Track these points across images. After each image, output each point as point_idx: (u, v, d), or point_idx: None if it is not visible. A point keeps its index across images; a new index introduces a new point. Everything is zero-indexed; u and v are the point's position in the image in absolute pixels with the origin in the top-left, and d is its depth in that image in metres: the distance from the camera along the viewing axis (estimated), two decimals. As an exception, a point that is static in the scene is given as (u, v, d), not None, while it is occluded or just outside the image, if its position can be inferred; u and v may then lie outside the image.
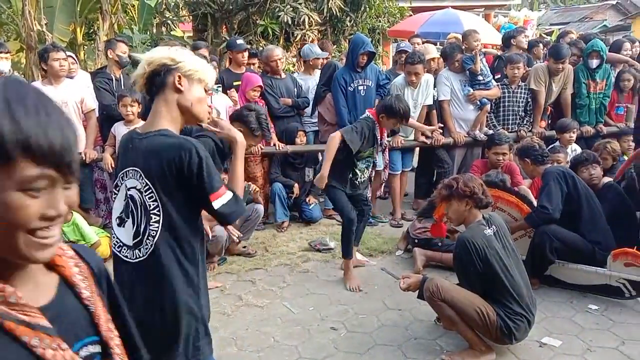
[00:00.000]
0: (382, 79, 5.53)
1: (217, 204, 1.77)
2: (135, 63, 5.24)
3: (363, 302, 3.84)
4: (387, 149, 4.50)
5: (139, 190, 1.79)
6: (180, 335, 1.78)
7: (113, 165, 4.89)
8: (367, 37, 5.96)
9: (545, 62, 6.00)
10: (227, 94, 5.22)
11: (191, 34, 12.38)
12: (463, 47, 5.67)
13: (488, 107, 5.59)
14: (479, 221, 3.06)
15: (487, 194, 3.12)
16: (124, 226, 1.83)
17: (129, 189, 1.82)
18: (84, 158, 4.91)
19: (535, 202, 4.01)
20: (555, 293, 3.85)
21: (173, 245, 1.78)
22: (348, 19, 9.66)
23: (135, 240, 1.79)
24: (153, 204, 1.76)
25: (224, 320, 3.55)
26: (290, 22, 8.89)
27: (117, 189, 1.87)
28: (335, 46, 9.36)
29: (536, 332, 3.31)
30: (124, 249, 1.83)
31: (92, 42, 11.08)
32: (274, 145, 5.25)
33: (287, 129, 5.31)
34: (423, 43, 6.36)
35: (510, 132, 5.61)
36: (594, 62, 5.82)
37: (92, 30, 11.97)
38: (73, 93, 4.92)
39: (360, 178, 4.14)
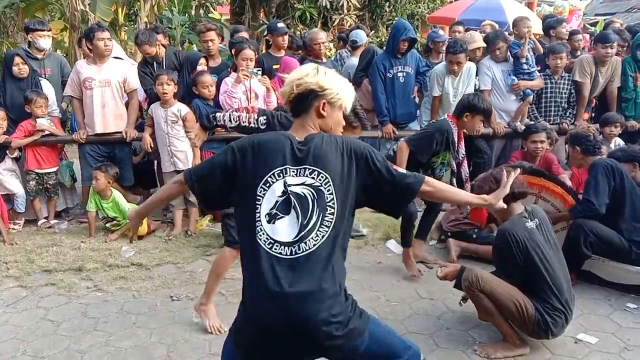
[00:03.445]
0: (422, 66, 5.47)
1: (400, 170, 2.04)
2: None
3: (395, 290, 3.83)
4: (465, 161, 4.18)
5: (311, 185, 1.89)
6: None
7: (152, 145, 4.99)
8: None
9: (591, 53, 5.82)
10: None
11: (229, 17, 12.44)
12: (513, 32, 5.53)
13: (531, 98, 5.45)
14: (521, 214, 3.01)
15: (519, 185, 3.02)
16: (274, 223, 1.87)
17: (289, 186, 1.88)
18: (125, 137, 5.02)
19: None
20: (594, 290, 3.77)
21: (340, 238, 1.90)
22: (387, 4, 9.58)
23: (300, 235, 1.85)
24: (330, 197, 1.88)
25: (257, 301, 3.59)
26: (328, 7, 8.86)
27: (267, 185, 1.90)
28: (373, 31, 9.29)
29: (572, 328, 3.25)
30: (276, 245, 1.85)
31: (133, 23, 11.24)
32: None
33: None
34: (466, 31, 6.24)
35: (552, 124, 5.47)
36: (644, 55, 5.62)
37: (132, 11, 12.15)
38: (116, 72, 5.01)
39: None
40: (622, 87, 5.75)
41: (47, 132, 4.99)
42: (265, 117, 2.97)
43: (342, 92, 2.04)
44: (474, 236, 4.38)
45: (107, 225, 4.89)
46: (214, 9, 12.58)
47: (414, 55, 5.45)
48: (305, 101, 2.01)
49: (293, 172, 1.90)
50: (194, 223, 4.95)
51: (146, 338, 3.22)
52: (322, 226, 1.86)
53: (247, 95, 4.95)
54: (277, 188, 1.89)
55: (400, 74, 5.28)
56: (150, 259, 4.30)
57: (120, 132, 5.04)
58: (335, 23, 9.02)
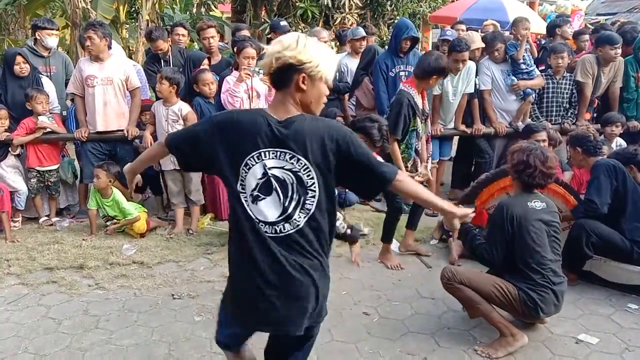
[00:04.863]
0: (423, 66, 5.45)
1: (379, 158, 2.09)
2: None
3: (396, 289, 3.84)
4: (428, 118, 4.39)
5: (290, 170, 1.92)
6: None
7: (153, 143, 4.98)
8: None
9: (592, 51, 5.82)
10: None
11: (230, 15, 12.43)
12: (512, 33, 5.53)
13: (531, 97, 5.45)
14: (526, 193, 3.14)
15: (534, 175, 3.10)
16: (257, 203, 1.94)
17: (269, 169, 1.93)
18: (126, 135, 5.01)
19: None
20: (594, 290, 3.77)
21: (323, 217, 1.97)
22: (389, 3, 9.58)
23: (283, 216, 1.93)
24: (310, 181, 1.93)
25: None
26: (330, 5, 8.85)
27: (247, 167, 1.94)
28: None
29: (573, 328, 3.28)
30: (261, 225, 1.94)
31: (134, 20, 11.23)
32: None
33: (326, 114, 5.31)
34: (467, 30, 6.24)
35: (554, 124, 5.48)
36: (646, 55, 5.62)
37: (133, 9, 12.15)
38: (118, 70, 4.99)
39: (409, 152, 4.19)
40: (624, 88, 5.75)
41: (48, 130, 4.99)
42: None
43: (323, 64, 1.95)
44: (475, 236, 4.38)
45: (108, 223, 4.88)
46: (215, 7, 12.58)
47: (417, 55, 5.43)
48: (284, 75, 1.94)
49: (273, 154, 1.92)
50: (195, 221, 4.95)
51: (147, 336, 3.23)
52: (304, 209, 1.93)
53: (249, 94, 4.94)
54: (258, 170, 1.93)
55: (402, 73, 5.27)
56: (151, 257, 4.30)
57: (122, 130, 5.03)
58: (337, 22, 9.01)
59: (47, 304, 3.61)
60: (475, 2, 9.35)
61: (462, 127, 5.43)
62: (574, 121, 5.59)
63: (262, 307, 1.96)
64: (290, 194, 1.93)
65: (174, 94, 4.76)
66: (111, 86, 4.95)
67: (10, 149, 4.96)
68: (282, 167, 1.92)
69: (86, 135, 5.00)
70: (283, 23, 5.64)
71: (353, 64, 5.87)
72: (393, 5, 9.65)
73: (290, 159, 1.92)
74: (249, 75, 4.81)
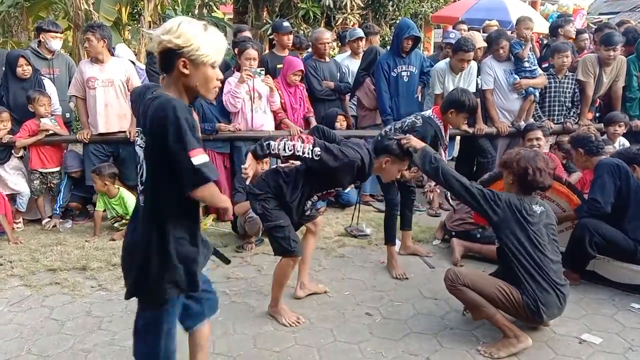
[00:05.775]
0: (426, 66, 5.46)
1: (196, 161, 1.86)
2: None
3: (399, 290, 3.83)
4: (446, 149, 4.31)
5: (141, 147, 2.01)
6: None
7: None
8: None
9: (594, 50, 5.81)
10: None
11: (232, 16, 12.43)
12: (513, 32, 5.53)
13: (532, 96, 5.44)
14: (527, 197, 3.11)
15: (538, 180, 3.07)
16: (140, 169, 2.06)
17: (137, 144, 2.04)
18: (128, 136, 5.02)
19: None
20: (597, 290, 3.76)
21: (155, 196, 2.00)
22: (390, 3, 9.59)
23: (141, 188, 2.06)
24: (148, 160, 1.99)
25: (261, 300, 3.60)
26: (332, 6, 8.86)
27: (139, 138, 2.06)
28: (376, 31, 9.26)
29: (576, 328, 3.27)
30: (140, 188, 2.08)
31: (137, 22, 11.25)
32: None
33: (327, 114, 5.31)
34: (468, 30, 6.24)
35: (556, 123, 5.47)
36: (647, 54, 5.61)
37: (135, 10, 12.16)
38: (119, 72, 5.01)
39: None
40: (627, 87, 5.74)
41: (50, 132, 5.01)
42: (319, 149, 3.01)
43: (205, 47, 1.90)
44: (478, 236, 4.37)
45: (115, 224, 4.89)
46: (217, 8, 12.59)
47: (418, 55, 5.45)
48: (167, 59, 1.93)
49: (141, 131, 2.03)
50: (197, 222, 4.94)
51: (150, 337, 3.22)
52: (143, 184, 2.03)
53: (250, 95, 4.95)
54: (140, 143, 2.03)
55: (404, 73, 5.28)
56: (154, 258, 4.30)
57: (124, 132, 5.04)
58: (339, 22, 9.01)
59: (50, 305, 3.62)
60: (477, 2, 9.36)
61: (465, 127, 5.40)
62: (576, 120, 5.57)
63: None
64: (141, 169, 2.03)
65: None
66: (112, 87, 4.97)
67: (12, 151, 4.98)
68: (139, 145, 2.02)
69: (88, 137, 5.01)
70: (285, 24, 5.63)
71: (353, 64, 5.87)
72: (395, 6, 9.66)
73: (143, 136, 2.00)
74: (250, 76, 4.81)
